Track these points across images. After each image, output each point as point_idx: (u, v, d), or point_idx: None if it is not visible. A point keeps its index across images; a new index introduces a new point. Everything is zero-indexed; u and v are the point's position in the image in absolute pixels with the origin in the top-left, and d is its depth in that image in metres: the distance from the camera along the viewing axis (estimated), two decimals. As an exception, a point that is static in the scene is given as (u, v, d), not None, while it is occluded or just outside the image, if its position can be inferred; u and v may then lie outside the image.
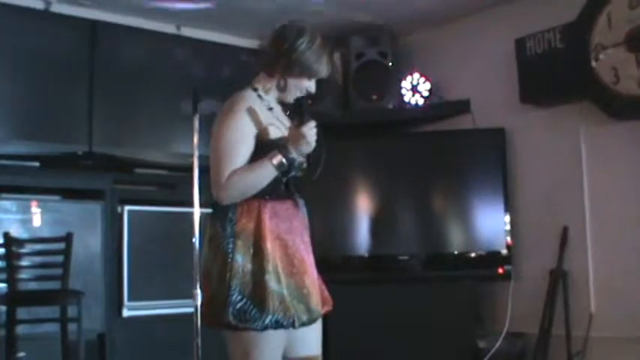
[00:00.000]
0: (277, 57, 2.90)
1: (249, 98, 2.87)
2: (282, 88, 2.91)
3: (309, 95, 2.95)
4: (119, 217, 5.56)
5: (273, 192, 2.76)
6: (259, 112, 2.81)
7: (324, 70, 2.92)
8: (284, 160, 2.70)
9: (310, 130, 2.71)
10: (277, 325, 2.67)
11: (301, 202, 2.88)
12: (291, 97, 2.92)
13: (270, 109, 2.89)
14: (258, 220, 2.73)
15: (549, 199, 5.65)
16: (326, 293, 2.95)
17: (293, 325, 2.70)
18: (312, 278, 2.82)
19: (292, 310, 2.69)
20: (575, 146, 5.51)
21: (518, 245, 5.76)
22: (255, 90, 2.94)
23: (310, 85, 2.94)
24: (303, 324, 2.75)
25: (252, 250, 2.72)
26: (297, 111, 2.80)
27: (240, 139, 2.76)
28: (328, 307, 2.94)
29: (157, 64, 5.94)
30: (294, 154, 2.72)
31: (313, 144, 2.72)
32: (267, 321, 2.66)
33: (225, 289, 2.70)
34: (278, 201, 2.78)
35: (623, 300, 5.16)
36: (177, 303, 5.35)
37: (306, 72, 2.89)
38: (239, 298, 2.68)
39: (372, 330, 5.52)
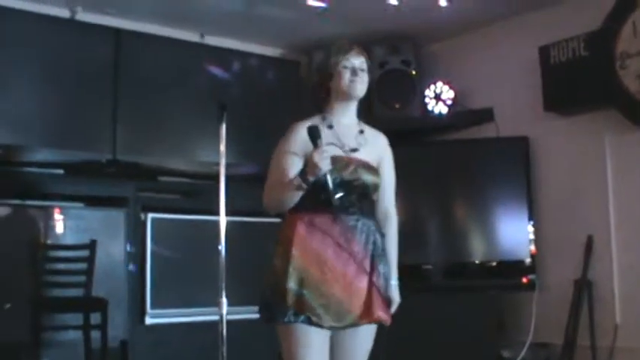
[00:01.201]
0: (321, 77, 3.12)
1: (308, 121, 3.04)
2: (336, 96, 3.09)
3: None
4: (142, 224, 5.57)
5: (313, 207, 2.96)
6: (306, 135, 2.94)
7: (345, 52, 3.08)
8: (303, 184, 2.88)
9: (319, 155, 2.84)
10: (296, 319, 2.90)
11: (349, 218, 3.00)
12: (354, 93, 3.07)
13: (331, 127, 3.05)
14: (293, 230, 2.97)
15: (574, 207, 5.61)
16: (374, 307, 3.00)
17: (312, 323, 2.90)
18: (346, 287, 2.95)
19: (311, 309, 2.89)
20: (600, 154, 5.47)
21: (542, 254, 5.71)
22: (322, 112, 3.12)
23: (352, 75, 3.06)
24: (332, 327, 2.94)
25: (285, 255, 2.96)
26: (310, 138, 2.91)
27: (283, 156, 3.02)
28: (368, 319, 3.01)
29: (181, 73, 5.97)
30: (310, 177, 2.87)
31: (323, 167, 2.84)
32: (286, 314, 2.90)
33: (262, 288, 3.00)
34: (316, 215, 2.97)
35: (650, 310, 5.11)
36: (199, 311, 5.36)
37: (337, 65, 3.06)
38: (268, 294, 2.97)
39: (394, 338, 5.47)
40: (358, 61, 3.08)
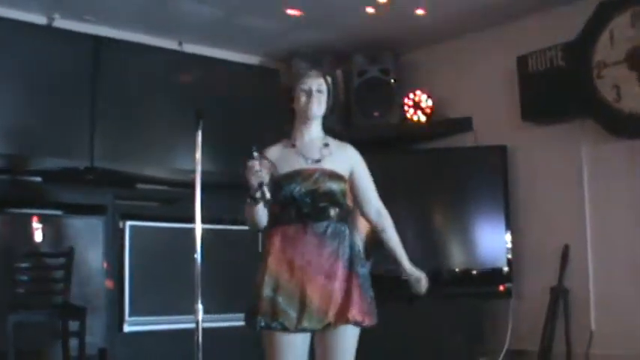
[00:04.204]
0: (287, 100, 3.34)
1: (280, 143, 3.32)
2: (298, 116, 3.29)
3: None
4: (120, 232, 5.55)
5: (284, 219, 3.18)
6: (276, 152, 3.26)
7: (302, 76, 3.30)
8: (248, 199, 3.12)
9: (246, 170, 3.09)
10: (267, 326, 3.07)
11: (319, 224, 3.17)
12: (309, 114, 3.26)
13: (294, 145, 3.29)
14: (270, 244, 3.19)
15: (550, 216, 5.66)
16: (349, 309, 3.12)
17: (286, 328, 3.07)
18: (318, 289, 3.11)
19: (284, 314, 3.06)
20: (577, 164, 5.52)
21: (519, 263, 5.75)
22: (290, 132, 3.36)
23: (307, 97, 3.27)
24: (304, 329, 3.09)
25: (263, 267, 3.16)
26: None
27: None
28: (343, 321, 3.12)
29: (159, 80, 5.97)
30: (252, 193, 3.10)
31: (252, 181, 3.08)
32: (260, 322, 3.08)
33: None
34: (287, 226, 3.17)
35: (624, 317, 5.16)
36: (178, 319, 5.33)
37: (296, 88, 3.28)
38: (250, 303, 3.14)
39: (372, 346, 5.48)
40: (315, 83, 3.28)
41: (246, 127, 5.98)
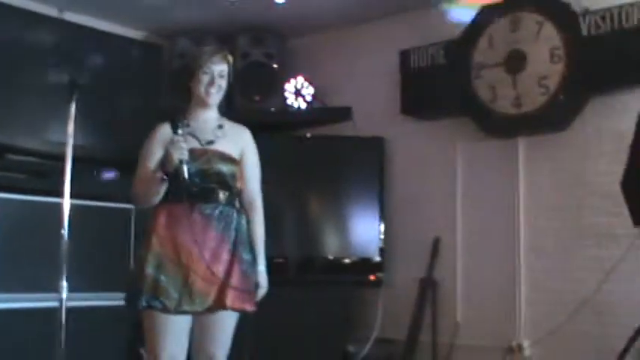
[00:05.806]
0: (185, 76, 3.32)
1: (168, 122, 3.23)
2: (195, 98, 3.28)
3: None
4: (-16, 203, 5.30)
5: (173, 198, 3.14)
6: (169, 130, 3.17)
7: (208, 57, 3.26)
8: (163, 175, 3.09)
9: (173, 145, 3.09)
10: (149, 305, 3.05)
11: (206, 206, 3.16)
12: (209, 100, 3.26)
13: (188, 125, 3.24)
14: (155, 220, 3.18)
15: (423, 209, 5.78)
16: (227, 295, 3.13)
17: (167, 308, 3.04)
18: (202, 272, 3.09)
19: (166, 293, 3.05)
20: (451, 159, 5.65)
21: (391, 253, 5.85)
22: (183, 108, 3.34)
23: (209, 83, 3.25)
24: (185, 311, 3.09)
25: (146, 244, 3.16)
26: (172, 130, 3.16)
27: (146, 153, 3.22)
28: (221, 307, 3.14)
29: (35, 47, 5.71)
30: (168, 168, 3.09)
31: (176, 156, 3.06)
32: (141, 301, 3.05)
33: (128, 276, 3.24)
34: (174, 205, 3.14)
35: (488, 310, 5.34)
36: (41, 296, 5.13)
37: (199, 69, 3.24)
38: (129, 281, 3.15)
39: (242, 331, 5.47)
40: (219, 68, 3.26)
41: (124, 103, 5.84)
